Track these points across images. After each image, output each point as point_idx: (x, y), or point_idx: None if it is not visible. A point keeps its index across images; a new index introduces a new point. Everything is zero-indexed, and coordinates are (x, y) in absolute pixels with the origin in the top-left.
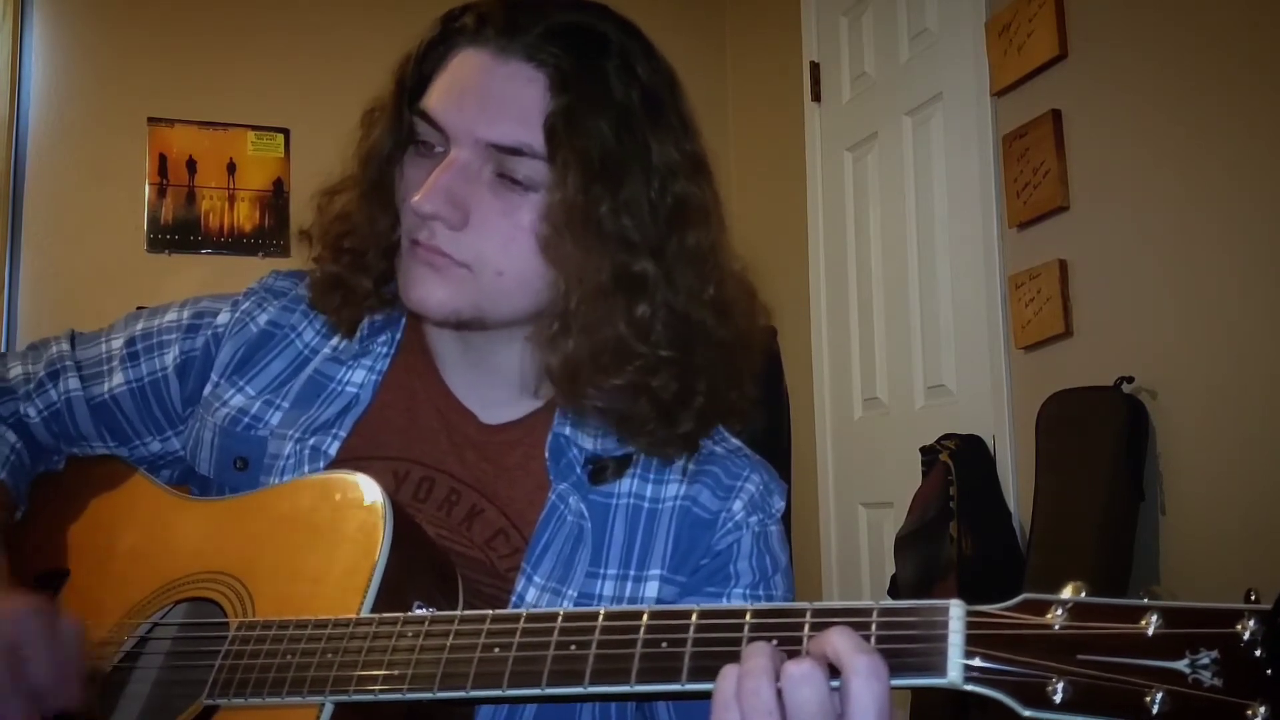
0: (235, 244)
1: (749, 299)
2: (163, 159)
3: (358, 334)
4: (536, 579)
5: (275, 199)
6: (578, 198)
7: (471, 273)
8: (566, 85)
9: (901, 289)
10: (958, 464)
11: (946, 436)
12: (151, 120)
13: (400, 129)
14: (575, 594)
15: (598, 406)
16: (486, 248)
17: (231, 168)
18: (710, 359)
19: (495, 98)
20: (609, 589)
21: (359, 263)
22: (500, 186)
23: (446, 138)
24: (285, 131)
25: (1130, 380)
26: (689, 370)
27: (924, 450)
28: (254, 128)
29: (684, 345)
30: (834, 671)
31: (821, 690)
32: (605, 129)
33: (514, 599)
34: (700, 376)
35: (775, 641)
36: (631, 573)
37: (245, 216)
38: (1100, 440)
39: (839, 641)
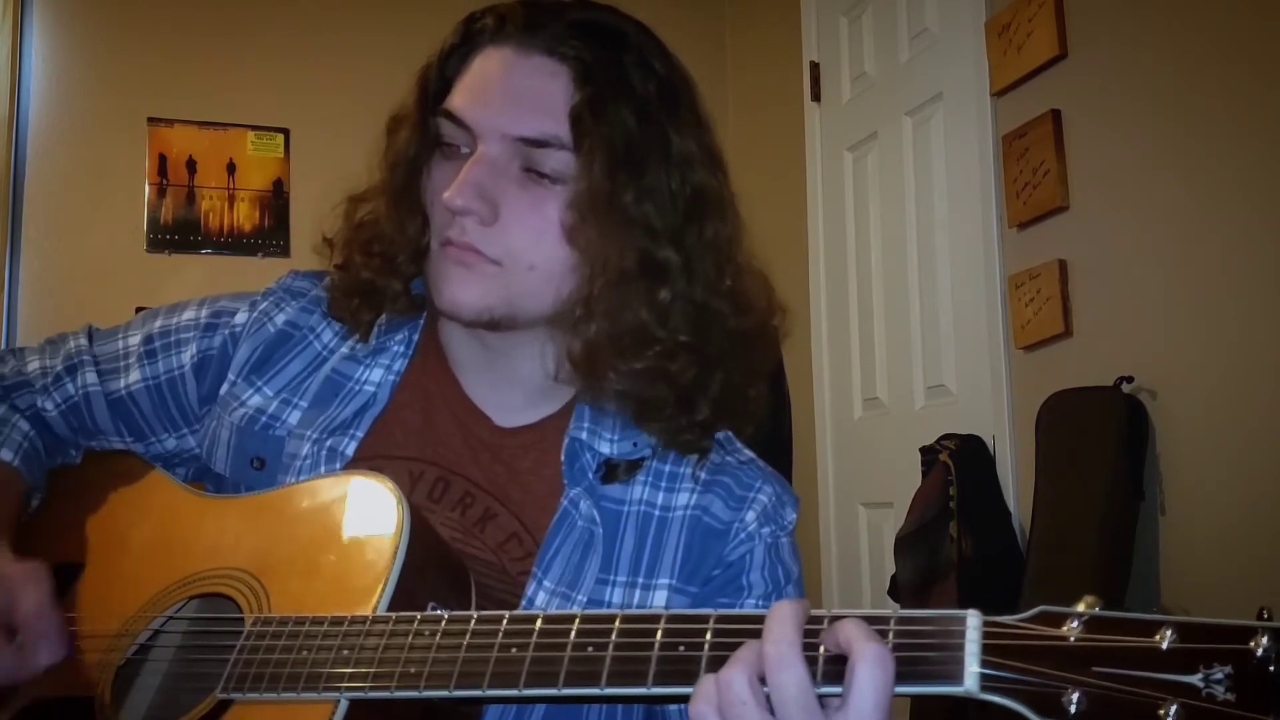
0: (235, 244)
1: (766, 295)
2: (162, 159)
3: (373, 333)
4: (546, 583)
5: (275, 199)
6: (603, 184)
7: (502, 269)
8: (589, 77)
9: (901, 289)
10: (958, 464)
11: (946, 436)
12: (151, 120)
13: (426, 133)
14: (585, 599)
15: (617, 390)
16: (517, 243)
17: (231, 168)
18: (726, 349)
19: (520, 92)
20: (618, 596)
21: (389, 266)
22: (528, 181)
23: (473, 136)
24: (285, 131)
25: (1130, 380)
26: (706, 358)
27: (924, 450)
28: (254, 128)
29: (701, 333)
30: (839, 676)
31: (799, 674)
32: (628, 118)
33: (524, 603)
34: (717, 365)
35: None
36: (640, 580)
37: (245, 216)
38: (1100, 440)
39: (850, 629)
